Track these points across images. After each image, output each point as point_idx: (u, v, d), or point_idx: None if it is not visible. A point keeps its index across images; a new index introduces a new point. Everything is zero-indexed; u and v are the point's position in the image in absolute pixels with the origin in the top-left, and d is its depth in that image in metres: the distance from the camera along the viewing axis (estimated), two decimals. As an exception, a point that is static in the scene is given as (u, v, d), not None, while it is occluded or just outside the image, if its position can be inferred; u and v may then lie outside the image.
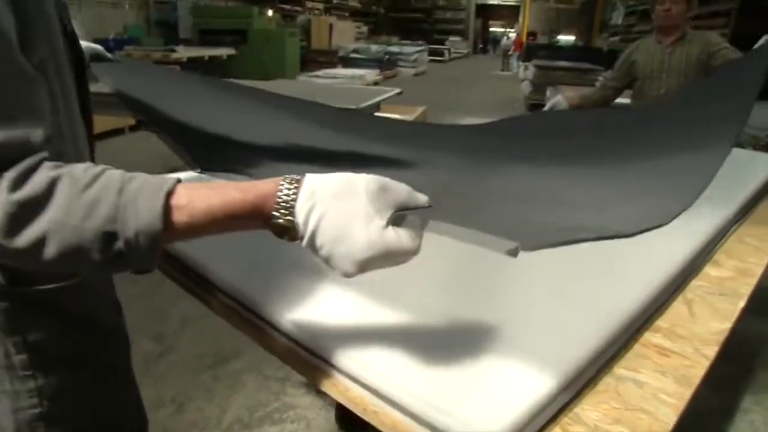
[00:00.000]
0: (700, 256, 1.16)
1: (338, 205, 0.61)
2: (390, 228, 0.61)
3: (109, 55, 1.42)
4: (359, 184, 0.62)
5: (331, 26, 13.83)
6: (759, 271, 1.18)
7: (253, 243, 1.02)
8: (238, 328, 0.93)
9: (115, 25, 10.55)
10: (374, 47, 13.73)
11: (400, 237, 0.61)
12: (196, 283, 1.03)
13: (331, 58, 12.84)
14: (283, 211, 0.62)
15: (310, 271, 0.97)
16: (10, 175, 0.55)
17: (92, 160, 0.92)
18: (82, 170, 0.59)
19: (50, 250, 0.57)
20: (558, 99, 3.24)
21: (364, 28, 19.40)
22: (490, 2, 29.69)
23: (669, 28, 3.10)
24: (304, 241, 0.63)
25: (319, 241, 0.61)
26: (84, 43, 1.12)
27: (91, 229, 0.57)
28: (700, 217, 1.30)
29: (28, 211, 0.56)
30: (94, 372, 0.92)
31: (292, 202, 0.61)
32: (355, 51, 13.15)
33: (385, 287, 0.90)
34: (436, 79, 13.78)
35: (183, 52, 9.05)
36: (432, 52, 18.08)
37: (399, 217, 0.62)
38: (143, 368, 2.39)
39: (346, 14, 21.52)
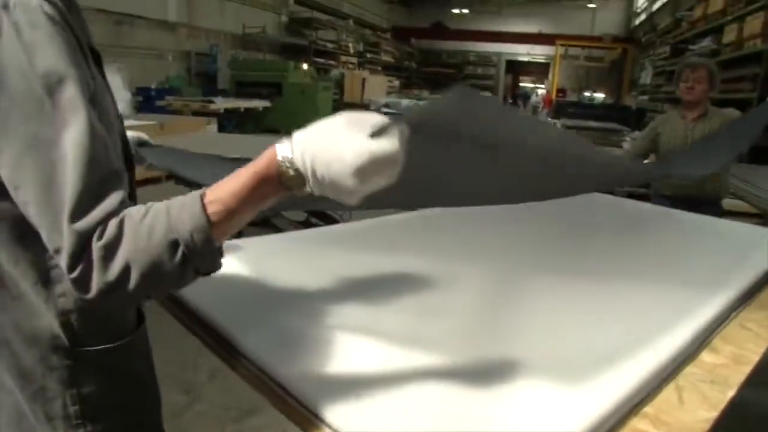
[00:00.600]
0: (695, 343, 1.22)
1: (323, 138, 0.73)
2: (372, 139, 0.71)
3: (152, 141, 1.70)
4: (336, 118, 0.75)
5: (363, 80, 14.23)
6: (755, 358, 1.23)
7: (283, 316, 1.13)
8: (260, 392, 1.03)
9: (158, 75, 11.06)
10: (405, 101, 14.04)
11: (381, 143, 0.70)
12: (218, 343, 1.15)
13: (362, 111, 13.13)
14: (286, 164, 0.74)
15: (338, 348, 1.07)
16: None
17: None
18: (135, 209, 0.74)
19: (134, 275, 0.71)
20: None
21: (396, 82, 19.84)
22: (521, 59, 30.11)
23: (692, 104, 3.31)
24: (311, 183, 0.74)
25: (319, 174, 0.72)
26: (131, 133, 1.47)
27: (156, 244, 0.71)
28: (699, 303, 1.37)
29: (110, 250, 0.70)
30: (133, 421, 1.02)
31: (289, 155, 0.74)
32: (386, 105, 13.47)
33: (409, 361, 1.00)
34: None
35: (220, 104, 9.40)
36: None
37: (379, 130, 0.72)
38: (170, 418, 2.46)
39: (379, 68, 22.09)
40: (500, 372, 1.03)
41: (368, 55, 21.74)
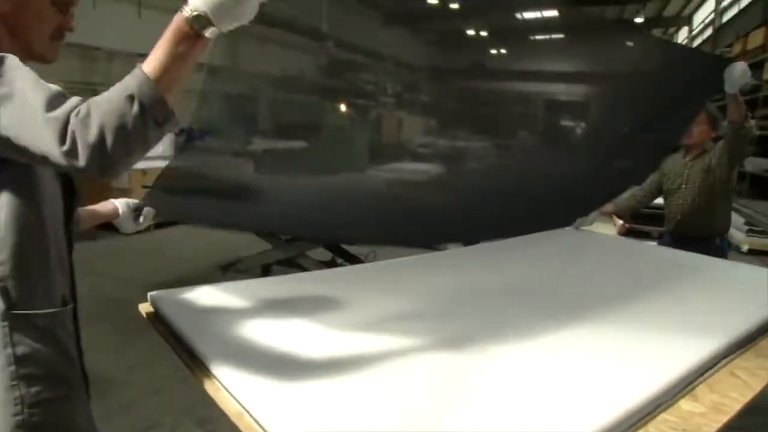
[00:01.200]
0: (672, 391, 1.22)
1: None
2: None
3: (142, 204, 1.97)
4: None
5: (401, 120, 14.47)
6: (737, 407, 1.21)
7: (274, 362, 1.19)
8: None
9: (201, 116, 11.47)
10: (441, 141, 14.18)
11: None
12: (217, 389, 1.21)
13: (399, 152, 13.32)
14: (189, 12, 0.95)
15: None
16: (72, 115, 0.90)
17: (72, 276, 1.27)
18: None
19: (108, 134, 0.89)
20: (592, 215, 3.25)
21: (433, 122, 20.07)
22: (559, 98, 30.13)
23: (691, 147, 3.33)
24: (210, 13, 0.95)
25: (203, 5, 0.94)
26: (122, 200, 1.90)
27: (117, 103, 0.90)
28: (685, 348, 1.37)
29: (85, 120, 0.89)
30: (65, 394, 1.15)
31: (189, 7, 0.95)
32: (423, 145, 13.62)
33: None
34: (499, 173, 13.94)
35: (259, 144, 9.66)
36: (500, 146, 18.41)
37: None
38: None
39: (417, 109, 22.39)
40: (482, 404, 1.06)
41: (406, 96, 22.08)
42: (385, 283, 1.94)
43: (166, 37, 0.96)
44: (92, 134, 0.88)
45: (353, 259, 4.46)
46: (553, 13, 4.55)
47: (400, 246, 3.43)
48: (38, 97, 0.92)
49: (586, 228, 3.22)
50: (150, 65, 0.95)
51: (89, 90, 9.76)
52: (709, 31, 19.71)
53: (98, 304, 4.39)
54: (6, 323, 1.05)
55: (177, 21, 0.96)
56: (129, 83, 0.93)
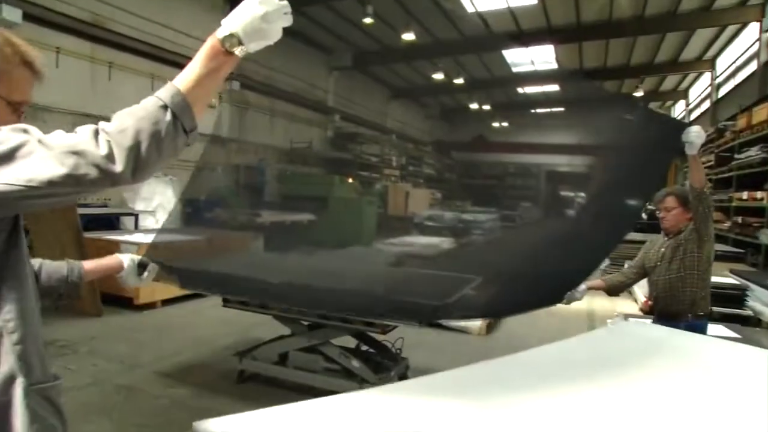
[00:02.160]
0: None
1: (241, 10, 1.12)
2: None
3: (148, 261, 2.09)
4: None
5: (407, 193, 14.44)
6: None
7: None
8: None
9: (207, 187, 11.42)
10: (448, 214, 14.10)
11: None
12: None
13: (407, 225, 13.26)
14: (221, 31, 1.11)
15: None
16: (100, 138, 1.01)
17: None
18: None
19: (144, 137, 1.00)
20: (581, 289, 3.16)
21: (438, 194, 20.10)
22: (561, 169, 30.37)
23: (667, 229, 3.44)
24: (241, 34, 1.11)
25: (241, 22, 1.11)
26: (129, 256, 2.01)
27: (152, 111, 1.03)
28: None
29: (120, 126, 1.01)
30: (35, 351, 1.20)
31: (224, 28, 1.11)
32: (430, 218, 13.55)
33: None
34: (504, 246, 13.75)
35: (267, 216, 9.57)
36: (504, 218, 18.36)
37: None
38: None
39: (421, 181, 22.50)
40: None
41: (410, 168, 22.24)
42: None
43: (200, 55, 1.11)
44: (128, 138, 0.99)
45: (379, 347, 4.19)
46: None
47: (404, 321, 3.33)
48: (62, 136, 1.02)
49: (575, 302, 3.11)
50: (182, 79, 1.09)
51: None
52: (706, 104, 20.10)
53: (103, 394, 3.95)
54: (28, 398, 1.13)
55: (211, 40, 1.11)
56: (162, 95, 1.06)
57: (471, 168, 29.64)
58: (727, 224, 10.91)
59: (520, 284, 2.96)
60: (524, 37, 15.71)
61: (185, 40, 10.49)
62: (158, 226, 8.40)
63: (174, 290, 5.97)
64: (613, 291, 3.65)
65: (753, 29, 14.91)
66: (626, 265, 4.22)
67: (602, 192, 3.19)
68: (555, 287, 2.97)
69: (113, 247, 5.86)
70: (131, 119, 1.00)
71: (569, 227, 3.61)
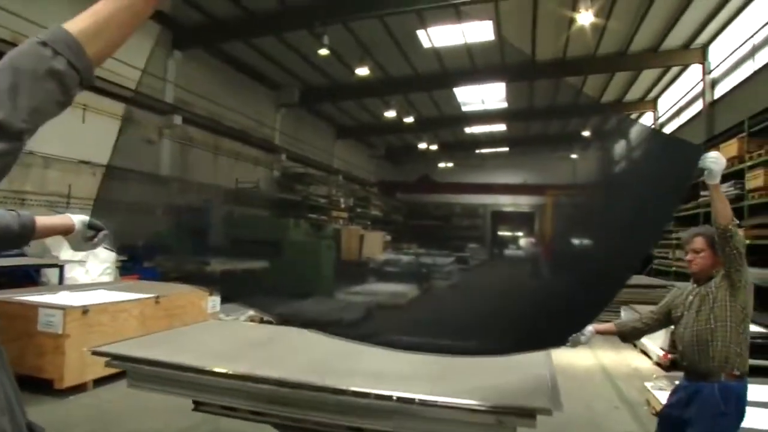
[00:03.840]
0: None
1: None
2: None
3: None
4: None
5: (362, 236, 13.61)
6: None
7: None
8: None
9: (147, 230, 10.22)
10: (405, 258, 13.36)
11: None
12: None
13: (363, 270, 12.40)
14: None
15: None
16: None
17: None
18: None
19: (22, 81, 0.91)
20: (588, 332, 2.92)
21: (388, 237, 19.39)
22: (506, 209, 30.39)
23: (695, 274, 3.06)
24: None
25: None
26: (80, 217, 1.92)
27: (27, 48, 0.93)
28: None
29: None
30: None
31: None
32: (387, 263, 12.74)
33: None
34: (471, 291, 12.99)
35: (216, 265, 8.53)
36: (458, 260, 17.83)
37: None
38: None
39: (369, 223, 21.77)
40: None
41: (358, 210, 21.51)
42: None
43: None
44: (4, 79, 0.90)
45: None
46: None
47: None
48: None
49: (582, 353, 2.62)
50: (79, 17, 0.98)
51: (18, 201, 8.52)
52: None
53: None
54: None
55: None
56: (42, 34, 0.94)
57: (416, 208, 29.31)
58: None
59: (512, 323, 2.72)
60: (478, 74, 15.49)
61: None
62: (89, 278, 7.16)
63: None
64: (626, 337, 3.24)
65: (694, 71, 15.26)
66: (644, 310, 3.70)
67: (599, 232, 2.82)
68: (555, 328, 2.63)
69: (29, 313, 4.53)
70: (6, 59, 0.92)
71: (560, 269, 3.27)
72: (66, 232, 1.82)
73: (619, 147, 3.01)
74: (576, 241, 3.12)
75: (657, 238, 3.27)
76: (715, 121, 13.73)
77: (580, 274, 2.76)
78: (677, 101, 17.07)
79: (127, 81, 9.94)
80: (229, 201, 13.34)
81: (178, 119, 11.63)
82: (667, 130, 18.22)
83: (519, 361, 2.52)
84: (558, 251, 3.58)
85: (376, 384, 2.09)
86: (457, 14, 12.08)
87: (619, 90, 18.44)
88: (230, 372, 2.18)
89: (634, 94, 18.76)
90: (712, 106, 14.13)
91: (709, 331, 2.87)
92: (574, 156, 27.02)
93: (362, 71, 13.45)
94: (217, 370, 2.20)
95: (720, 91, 13.81)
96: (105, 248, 7.66)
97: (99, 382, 4.96)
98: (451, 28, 12.81)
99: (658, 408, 3.84)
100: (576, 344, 2.84)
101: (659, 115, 19.20)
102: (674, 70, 16.69)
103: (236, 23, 11.92)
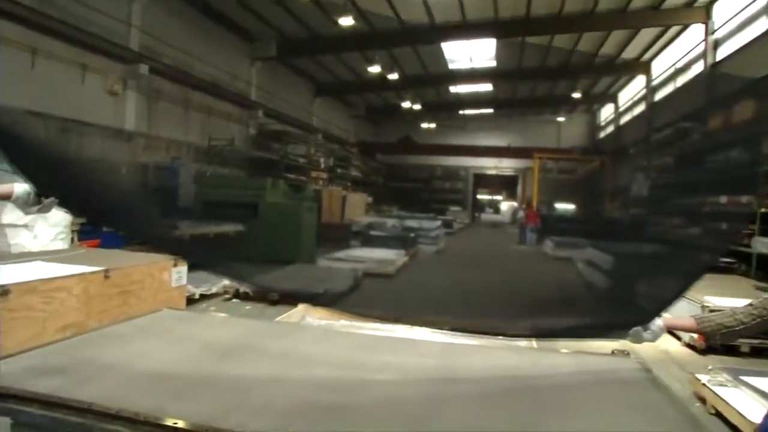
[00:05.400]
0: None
1: None
2: None
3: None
4: None
5: (344, 198, 12.77)
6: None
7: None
8: None
9: (108, 191, 9.25)
10: (390, 221, 12.59)
11: None
12: None
13: (345, 234, 11.60)
14: None
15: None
16: None
17: None
18: None
19: None
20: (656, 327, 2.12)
21: (370, 199, 18.60)
22: (489, 172, 29.73)
23: None
24: None
25: None
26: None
27: None
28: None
29: None
30: None
31: None
32: (371, 226, 11.95)
33: None
34: (466, 260, 11.88)
35: (186, 229, 7.68)
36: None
37: None
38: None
39: (348, 184, 20.89)
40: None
41: (338, 170, 20.61)
42: None
43: None
44: None
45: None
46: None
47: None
48: None
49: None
50: None
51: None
52: (639, 108, 19.79)
53: None
54: None
55: None
56: None
57: (396, 170, 28.43)
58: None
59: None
60: (468, 29, 14.53)
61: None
62: (39, 245, 6.22)
63: None
64: (712, 337, 2.39)
65: (695, 31, 14.51)
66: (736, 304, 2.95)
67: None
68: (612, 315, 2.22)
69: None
70: None
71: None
72: (6, 197, 1.91)
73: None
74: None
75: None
76: (718, 83, 13.07)
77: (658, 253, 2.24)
78: (674, 63, 16.34)
79: (86, 23, 8.90)
80: (200, 159, 12.34)
81: (144, 69, 10.54)
82: (661, 94, 17.59)
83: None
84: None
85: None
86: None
87: (614, 50, 17.63)
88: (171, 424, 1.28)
89: (627, 54, 17.98)
90: (714, 68, 13.43)
91: None
92: (561, 119, 26.44)
93: (345, 21, 12.40)
94: (147, 417, 1.30)
95: (723, 52, 13.10)
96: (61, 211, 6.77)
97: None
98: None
99: (722, 409, 3.20)
100: (638, 340, 2.19)
101: (652, 78, 18.49)
102: (673, 30, 15.92)
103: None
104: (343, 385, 1.54)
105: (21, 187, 1.98)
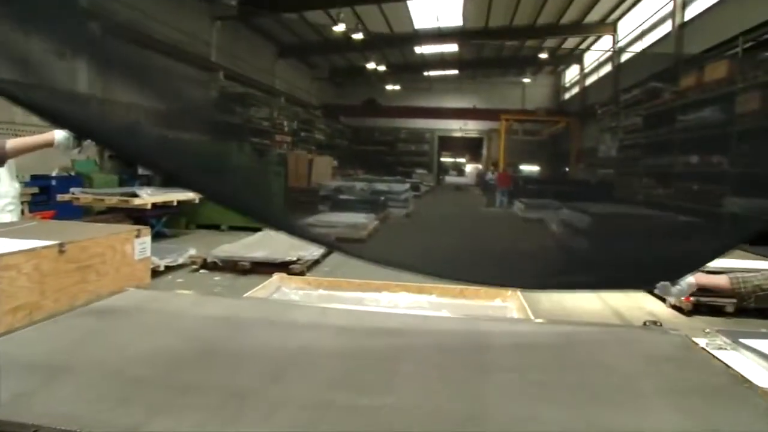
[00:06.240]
0: None
1: None
2: None
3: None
4: None
5: (311, 161, 12.40)
6: None
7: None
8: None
9: (61, 160, 8.66)
10: (358, 185, 12.31)
11: None
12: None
13: (313, 198, 11.29)
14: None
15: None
16: None
17: None
18: None
19: None
20: (685, 283, 2.17)
21: (335, 163, 18.24)
22: (454, 134, 29.58)
23: None
24: None
25: None
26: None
27: None
28: None
29: None
30: None
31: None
32: (338, 190, 11.66)
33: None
34: (439, 224, 11.70)
35: (147, 197, 7.27)
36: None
37: None
38: None
39: (313, 148, 20.46)
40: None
41: (302, 134, 20.14)
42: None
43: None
44: None
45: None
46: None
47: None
48: None
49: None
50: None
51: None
52: (604, 69, 19.77)
53: None
54: None
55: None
56: None
57: (361, 133, 28.00)
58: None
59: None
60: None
61: None
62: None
63: None
64: (745, 299, 2.31)
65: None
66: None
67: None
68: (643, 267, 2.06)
69: None
70: None
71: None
72: (48, 145, 2.23)
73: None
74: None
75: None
76: (684, 44, 13.03)
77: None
78: (641, 24, 16.27)
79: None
80: (159, 123, 11.77)
81: (96, 28, 9.89)
82: (628, 54, 17.55)
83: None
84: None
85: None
86: None
87: (579, 12, 17.46)
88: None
89: (593, 16, 17.85)
90: (682, 28, 13.38)
91: None
92: (526, 80, 26.31)
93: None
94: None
95: (692, 12, 13.03)
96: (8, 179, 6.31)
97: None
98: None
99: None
100: (666, 294, 2.35)
101: (618, 39, 18.44)
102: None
103: None
104: (364, 382, 1.26)
105: (61, 134, 2.17)
